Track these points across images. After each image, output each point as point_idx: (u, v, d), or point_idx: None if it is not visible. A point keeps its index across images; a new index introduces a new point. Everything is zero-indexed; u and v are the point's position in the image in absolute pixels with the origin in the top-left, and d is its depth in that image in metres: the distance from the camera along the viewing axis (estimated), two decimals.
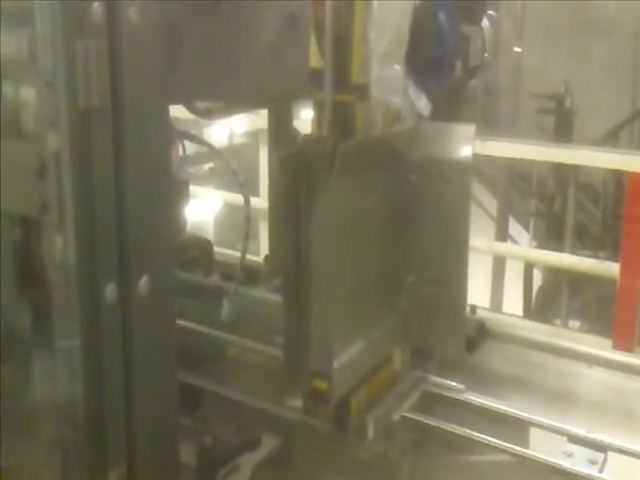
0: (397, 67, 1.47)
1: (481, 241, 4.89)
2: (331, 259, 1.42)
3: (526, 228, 6.99)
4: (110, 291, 1.22)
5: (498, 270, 6.15)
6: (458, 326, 1.72)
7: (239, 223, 2.44)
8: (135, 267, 1.25)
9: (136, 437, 1.32)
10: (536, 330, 2.55)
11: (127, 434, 1.31)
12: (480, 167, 6.62)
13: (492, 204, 6.79)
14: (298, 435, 1.61)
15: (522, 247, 6.12)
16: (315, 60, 1.45)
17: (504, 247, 5.46)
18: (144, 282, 1.26)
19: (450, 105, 1.97)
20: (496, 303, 6.44)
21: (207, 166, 8.74)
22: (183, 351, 1.74)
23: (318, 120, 1.49)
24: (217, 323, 1.78)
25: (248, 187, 2.94)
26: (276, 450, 1.59)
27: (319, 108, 1.48)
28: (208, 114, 1.48)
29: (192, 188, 4.79)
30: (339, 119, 1.45)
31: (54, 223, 1.18)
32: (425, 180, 1.58)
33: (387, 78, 1.45)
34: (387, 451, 1.58)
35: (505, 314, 4.77)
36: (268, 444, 1.58)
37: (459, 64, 1.81)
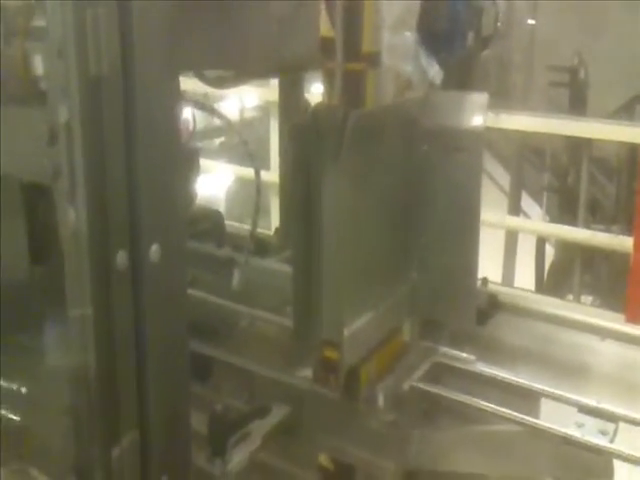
0: (408, 35, 1.45)
1: (493, 215, 4.88)
2: (341, 229, 1.42)
3: (539, 203, 6.94)
4: (121, 258, 1.23)
5: (510, 245, 6.13)
6: (468, 298, 1.72)
7: (250, 197, 2.45)
8: (146, 235, 1.25)
9: (148, 403, 1.34)
10: (548, 303, 2.53)
11: (139, 400, 1.33)
12: (493, 140, 6.58)
13: (505, 178, 6.75)
14: (308, 404, 1.62)
15: (534, 221, 6.08)
16: (325, 29, 1.44)
17: (516, 221, 5.42)
18: (154, 250, 1.27)
19: (462, 76, 1.95)
20: (508, 278, 6.43)
21: (218, 140, 8.75)
22: (196, 321, 1.77)
23: (328, 90, 1.48)
24: (228, 294, 1.78)
25: (259, 161, 2.94)
26: (286, 418, 1.60)
27: (329, 78, 1.47)
28: (219, 83, 1.48)
29: (203, 162, 4.82)
30: (350, 88, 1.44)
31: (65, 190, 1.18)
32: (437, 149, 1.57)
33: (398, 46, 1.44)
34: (397, 420, 1.59)
35: (517, 288, 4.77)
36: (279, 412, 1.60)
37: (471, 34, 1.80)
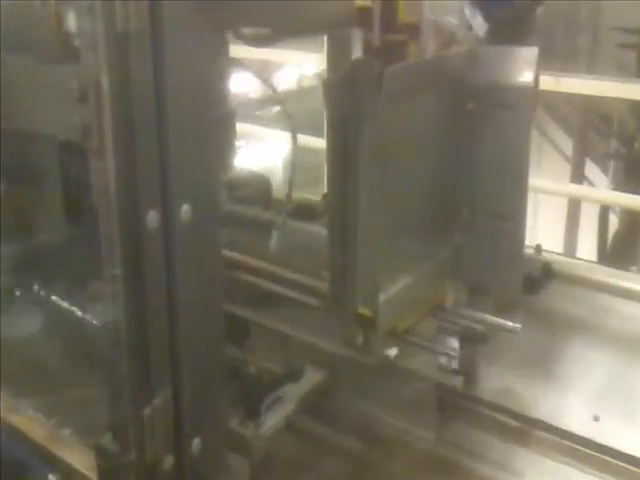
0: None
1: (554, 183, 4.74)
2: (378, 188, 1.38)
3: (605, 171, 6.74)
4: (151, 218, 1.22)
5: (572, 213, 5.97)
6: (515, 264, 1.66)
7: (307, 165, 2.42)
8: (176, 195, 1.24)
9: (181, 363, 1.34)
10: (606, 273, 2.44)
11: (172, 360, 1.33)
12: (555, 105, 6.37)
13: (568, 145, 6.56)
14: (344, 368, 1.60)
15: (596, 188, 5.89)
16: None
17: (578, 189, 5.25)
18: (185, 210, 1.25)
19: (515, 34, 1.87)
20: (570, 247, 6.28)
21: (275, 109, 8.71)
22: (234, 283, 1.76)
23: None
24: (268, 256, 1.77)
25: (317, 129, 2.90)
26: (321, 383, 1.59)
27: (368, 48, 1.42)
28: (256, 41, 1.44)
29: (260, 130, 4.76)
30: (389, 61, 1.39)
31: (95, 149, 1.17)
32: (483, 107, 1.51)
33: None
34: (438, 388, 1.56)
35: (574, 258, 4.64)
36: (313, 377, 1.58)
37: None
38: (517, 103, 1.47)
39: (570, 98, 5.49)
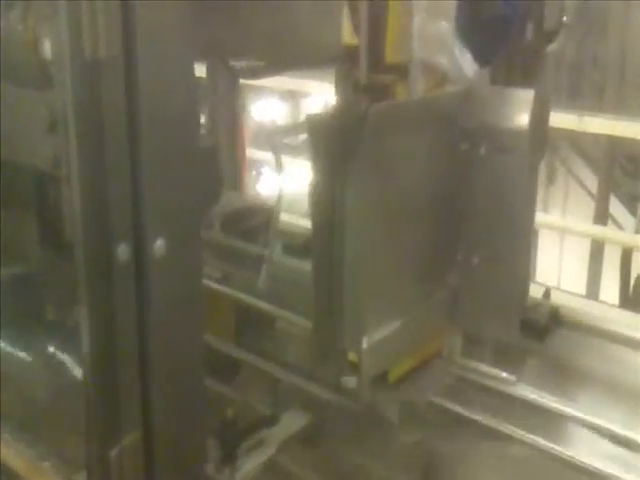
0: (444, 24, 1.34)
1: (578, 222, 4.64)
2: (367, 227, 1.32)
3: (632, 211, 6.61)
4: (122, 251, 1.17)
5: (596, 253, 5.85)
6: (512, 310, 1.59)
7: None
8: (150, 228, 1.19)
9: (153, 404, 1.28)
10: (618, 322, 2.35)
11: (143, 401, 1.28)
12: (582, 143, 6.29)
13: (595, 183, 6.44)
14: (329, 413, 1.54)
15: (619, 231, 5.77)
16: (349, 36, 1.34)
17: (601, 230, 5.14)
18: (159, 244, 1.21)
19: (524, 74, 1.81)
20: (593, 289, 6.14)
21: (302, 137, 8.73)
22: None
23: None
24: (258, 292, 1.72)
25: None
26: (306, 427, 1.52)
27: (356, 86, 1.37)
28: (250, 74, 1.41)
29: (286, 159, 4.77)
30: (377, 100, 1.34)
31: (65, 178, 1.14)
32: (478, 149, 1.45)
33: (432, 35, 1.33)
34: (421, 440, 1.48)
35: (591, 299, 4.52)
36: (296, 420, 1.52)
37: (530, 27, 1.66)
38: (512, 146, 1.42)
39: (596, 137, 5.40)
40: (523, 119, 1.40)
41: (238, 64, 1.40)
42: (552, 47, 1.90)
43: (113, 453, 1.24)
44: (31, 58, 1.21)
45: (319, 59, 1.37)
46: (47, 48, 1.20)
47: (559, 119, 3.74)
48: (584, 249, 6.29)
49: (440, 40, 1.35)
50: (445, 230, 1.53)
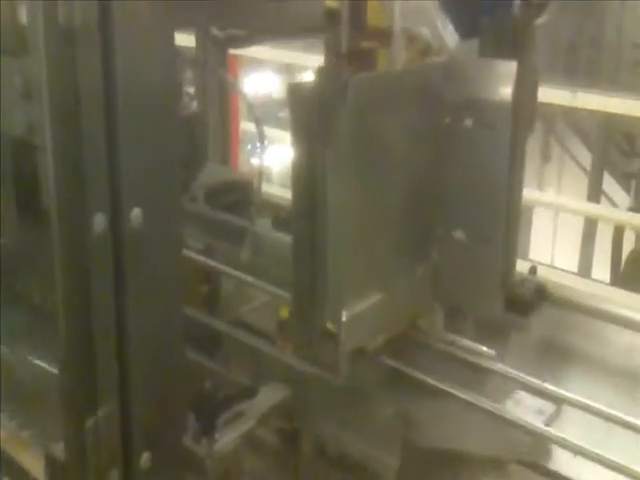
0: None
1: (571, 200, 4.63)
2: (347, 200, 1.31)
3: (626, 189, 6.61)
4: (98, 221, 1.16)
5: (588, 231, 5.85)
6: (494, 287, 1.58)
7: None
8: (126, 198, 1.18)
9: (130, 375, 1.28)
10: (606, 299, 2.35)
11: (120, 371, 1.27)
12: (577, 119, 6.26)
13: (589, 160, 6.43)
14: (309, 387, 1.53)
15: (612, 209, 5.76)
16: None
17: (593, 207, 5.13)
18: (136, 214, 1.20)
19: (513, 48, 1.79)
20: (585, 266, 6.16)
21: None
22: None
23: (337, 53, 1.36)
24: (241, 264, 1.71)
25: None
26: (285, 400, 1.52)
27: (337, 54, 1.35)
28: (230, 43, 1.39)
29: (279, 134, 4.71)
30: (359, 67, 1.32)
31: (40, 146, 1.12)
32: (461, 122, 1.44)
33: (414, 5, 1.30)
34: (402, 414, 1.49)
35: (582, 277, 4.52)
36: (276, 393, 1.52)
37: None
38: (495, 120, 1.40)
39: (591, 114, 5.37)
40: (506, 92, 1.38)
41: (222, 33, 1.37)
42: (540, 20, 1.87)
43: (89, 424, 1.24)
44: (7, 24, 1.19)
45: (302, 27, 1.34)
46: (24, 14, 1.17)
47: (552, 95, 3.72)
48: (578, 227, 6.29)
49: (422, 9, 1.33)
50: (427, 205, 1.52)
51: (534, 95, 1.61)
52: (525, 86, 1.43)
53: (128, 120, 1.15)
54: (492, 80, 1.39)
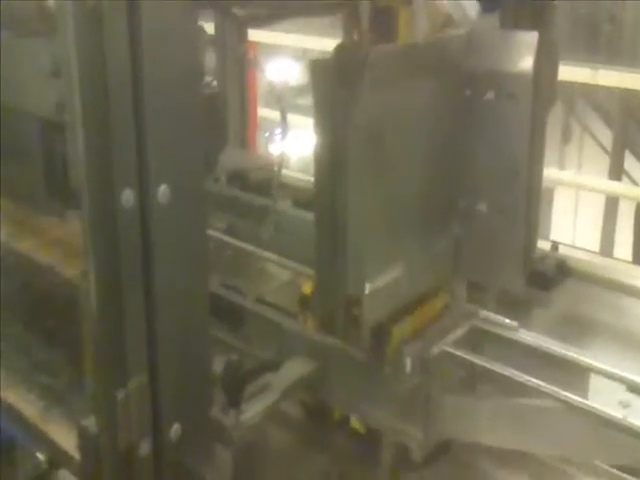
0: None
1: (592, 178, 4.60)
2: (367, 175, 1.33)
3: None
4: (127, 197, 1.19)
5: (610, 210, 5.81)
6: (516, 260, 1.59)
7: None
8: (154, 174, 1.21)
9: (159, 347, 1.31)
10: (624, 272, 2.35)
11: (149, 344, 1.30)
12: (596, 99, 6.20)
13: (608, 137, 6.37)
14: (333, 362, 1.56)
15: (633, 186, 5.72)
16: None
17: (614, 185, 5.10)
18: (163, 190, 1.22)
19: (533, 21, 1.79)
20: (607, 244, 6.12)
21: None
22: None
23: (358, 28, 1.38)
24: (264, 242, 1.74)
25: None
26: (310, 374, 1.55)
27: (357, 15, 1.36)
28: (247, 22, 1.40)
29: (299, 119, 4.69)
30: (380, 27, 1.33)
31: (70, 125, 1.15)
32: (481, 94, 1.44)
33: None
34: (425, 386, 1.50)
35: (601, 255, 4.51)
36: (301, 367, 1.54)
37: None
38: (516, 91, 1.40)
39: (612, 92, 5.32)
40: (527, 62, 1.38)
41: (242, 12, 1.39)
42: None
43: (119, 396, 1.28)
44: (34, 5, 1.21)
45: (321, 3, 1.35)
46: None
47: (572, 72, 3.70)
48: (599, 207, 6.24)
49: None
50: (449, 178, 1.53)
51: (555, 67, 1.62)
52: (546, 58, 1.44)
53: (154, 98, 1.17)
54: (513, 51, 1.40)
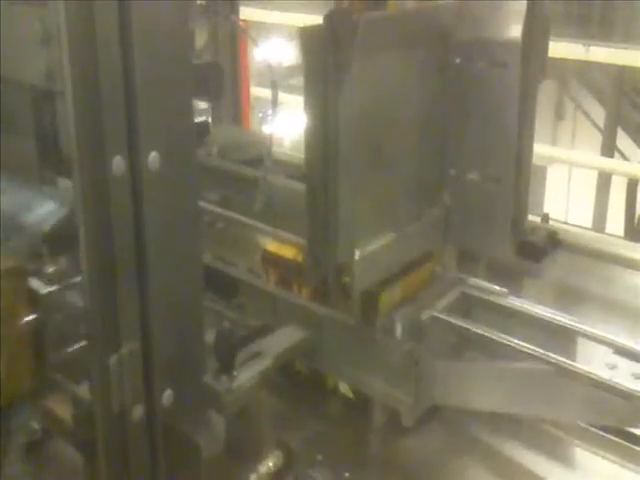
0: None
1: (585, 154, 4.61)
2: (358, 143, 1.34)
3: (639, 144, 6.57)
4: (117, 164, 1.20)
5: (602, 186, 5.83)
6: (506, 228, 1.61)
7: None
8: (143, 142, 1.22)
9: (151, 314, 1.32)
10: (612, 243, 2.37)
11: (141, 311, 1.31)
12: (589, 77, 6.20)
13: (602, 115, 6.38)
14: (325, 329, 1.57)
15: (625, 162, 5.74)
16: None
17: (606, 162, 5.12)
18: (153, 157, 1.23)
19: None
20: (599, 221, 6.15)
21: None
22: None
23: None
24: (256, 213, 1.75)
25: None
26: (302, 341, 1.56)
27: None
28: None
29: (293, 98, 4.67)
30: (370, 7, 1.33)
31: (59, 92, 1.15)
32: (471, 63, 1.45)
33: None
34: (415, 351, 1.52)
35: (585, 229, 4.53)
36: (293, 334, 1.56)
37: None
38: (505, 59, 1.41)
39: (605, 70, 5.32)
40: (516, 29, 1.39)
41: None
42: None
43: (112, 361, 1.29)
44: None
45: None
46: None
47: (565, 49, 3.70)
48: (591, 185, 6.26)
49: None
50: (439, 146, 1.54)
51: (546, 39, 1.62)
52: (536, 26, 1.44)
53: (144, 65, 1.18)
54: (502, 18, 1.41)
